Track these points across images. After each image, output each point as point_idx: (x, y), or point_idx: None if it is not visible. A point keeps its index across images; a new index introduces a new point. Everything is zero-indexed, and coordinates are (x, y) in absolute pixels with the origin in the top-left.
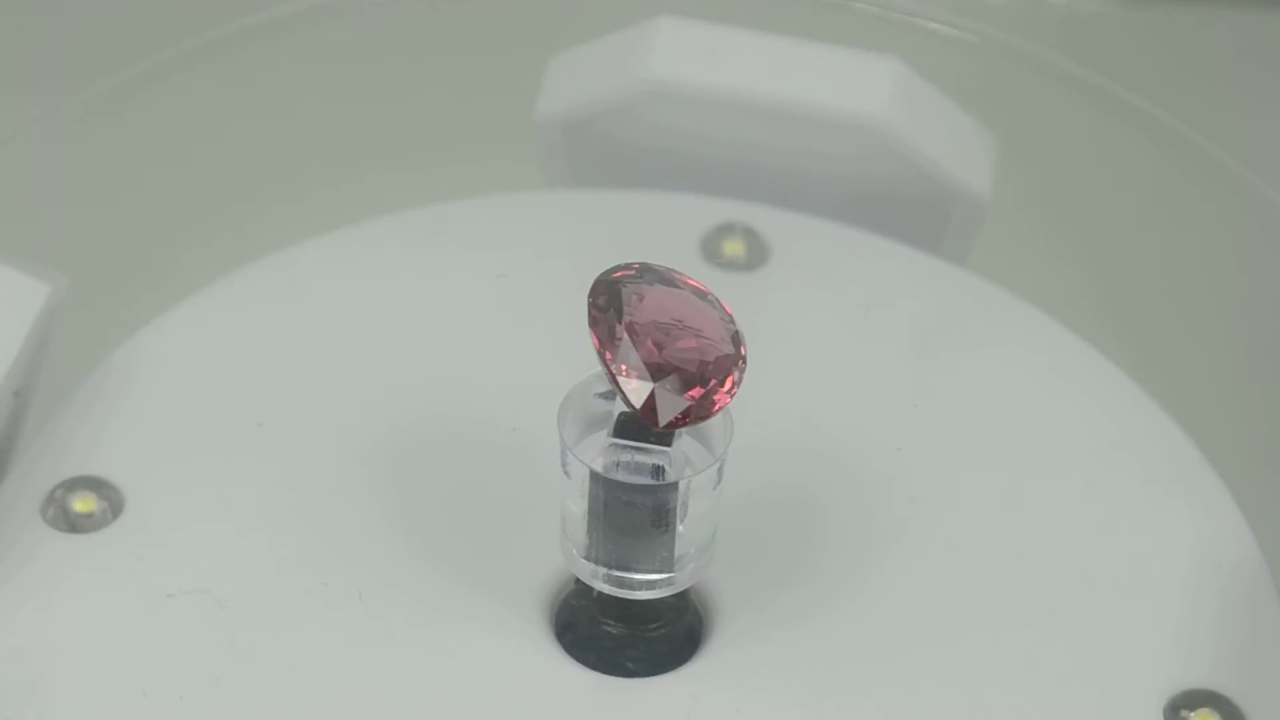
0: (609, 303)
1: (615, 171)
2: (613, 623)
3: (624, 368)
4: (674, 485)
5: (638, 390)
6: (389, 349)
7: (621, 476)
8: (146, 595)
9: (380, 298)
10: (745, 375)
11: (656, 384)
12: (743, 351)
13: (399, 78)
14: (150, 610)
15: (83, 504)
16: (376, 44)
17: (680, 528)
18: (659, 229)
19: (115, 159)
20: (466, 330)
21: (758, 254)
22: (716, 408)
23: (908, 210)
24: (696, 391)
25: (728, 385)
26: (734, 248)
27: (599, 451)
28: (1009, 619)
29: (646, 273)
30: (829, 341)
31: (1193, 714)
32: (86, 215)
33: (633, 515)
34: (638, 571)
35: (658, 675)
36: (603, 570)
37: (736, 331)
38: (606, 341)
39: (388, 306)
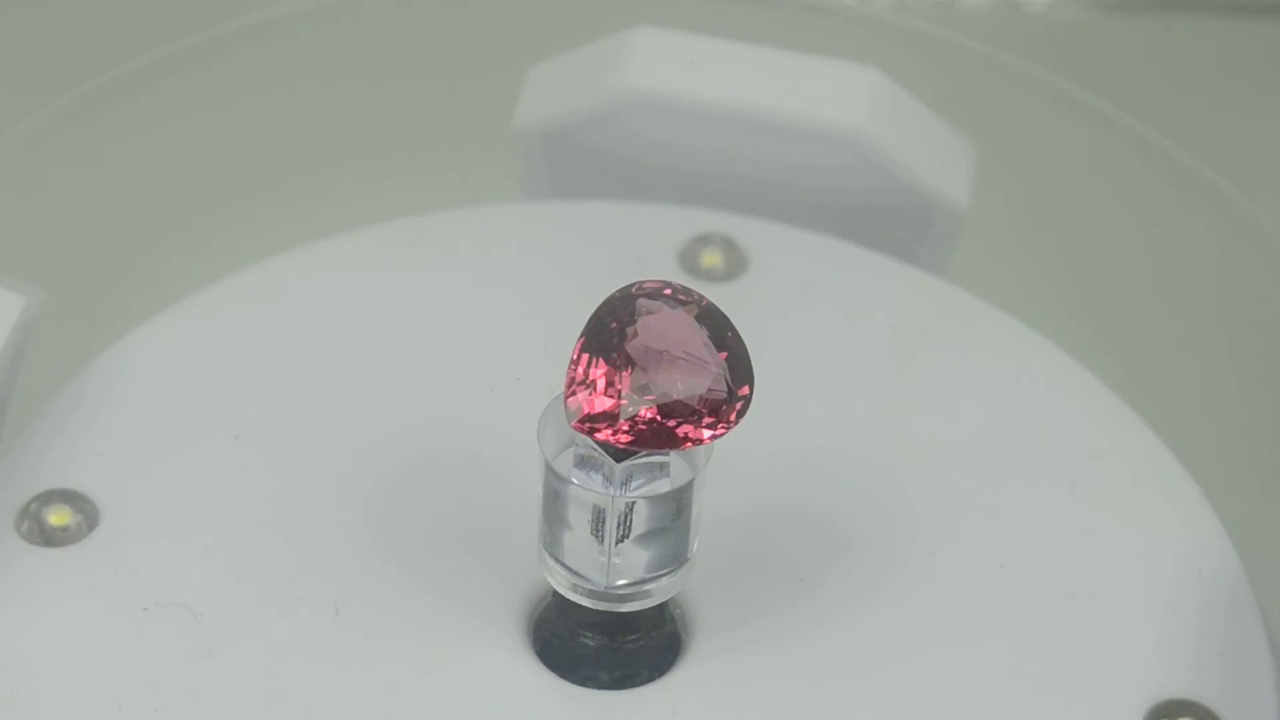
0: (608, 315)
1: (593, 181)
2: (590, 635)
3: (600, 378)
4: (604, 497)
5: (575, 395)
6: (368, 361)
7: (571, 471)
8: (122, 609)
9: (358, 309)
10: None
11: (594, 400)
12: (731, 417)
13: (376, 88)
14: (126, 624)
15: (58, 517)
16: (354, 55)
17: (617, 547)
18: (637, 239)
19: (90, 169)
20: (446, 341)
21: (736, 264)
22: (674, 446)
23: (887, 220)
24: (647, 421)
25: (701, 432)
26: (712, 258)
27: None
28: (989, 629)
29: (677, 302)
30: (807, 352)
31: None
32: (61, 226)
33: (565, 512)
34: (571, 573)
35: (636, 688)
36: (549, 559)
37: (738, 393)
38: (588, 348)
39: (366, 318)
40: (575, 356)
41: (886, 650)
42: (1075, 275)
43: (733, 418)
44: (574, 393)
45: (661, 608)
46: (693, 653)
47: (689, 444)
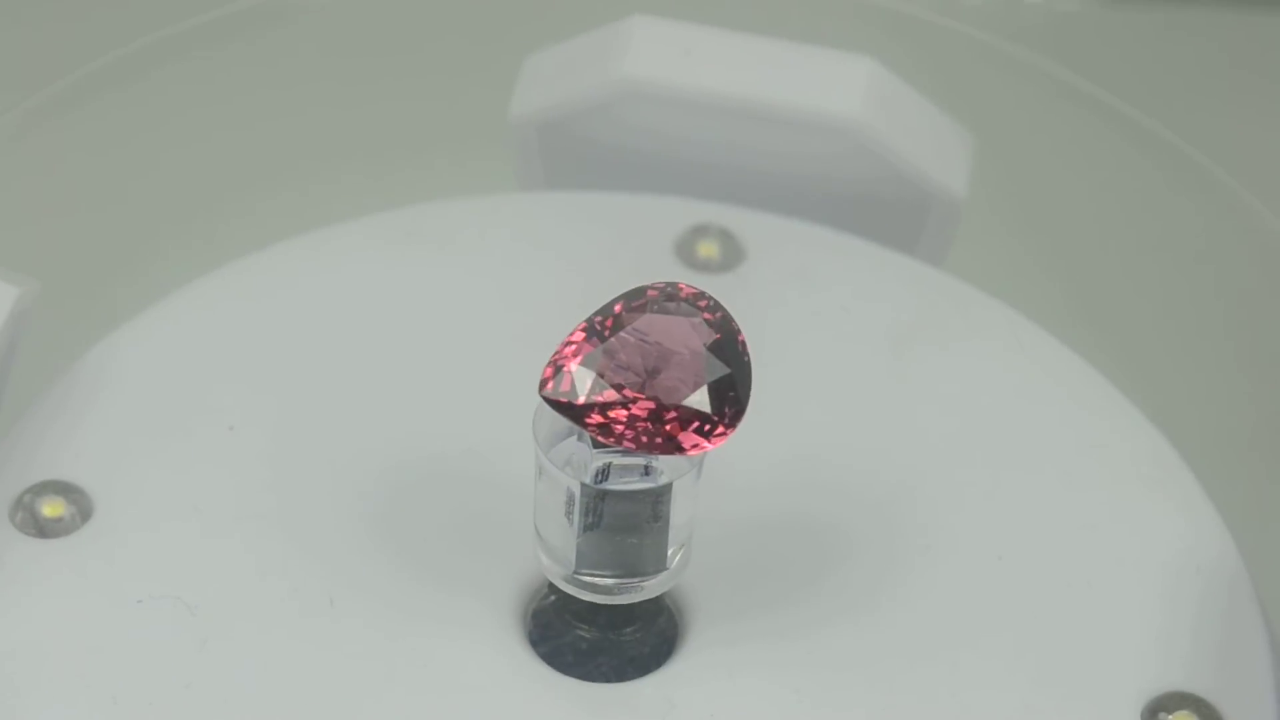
0: (615, 304)
1: (589, 172)
2: (586, 627)
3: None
4: (575, 481)
5: (556, 374)
6: (362, 352)
7: (553, 450)
8: (116, 600)
9: (354, 300)
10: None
11: (571, 379)
12: (717, 434)
13: (372, 79)
14: (120, 616)
15: (51, 508)
16: (349, 44)
17: (584, 535)
18: (633, 230)
19: (85, 159)
20: (440, 332)
21: (733, 255)
22: (652, 450)
23: (884, 211)
24: (631, 417)
25: (686, 439)
26: (709, 249)
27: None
28: (987, 622)
29: (694, 308)
30: (804, 343)
31: (1171, 716)
32: (56, 216)
33: (545, 488)
34: (548, 547)
35: (631, 681)
36: (536, 532)
37: (727, 413)
38: (585, 332)
39: (361, 309)
40: (570, 338)
41: (883, 642)
42: (1073, 266)
43: (717, 435)
44: (554, 368)
45: (658, 600)
46: (689, 645)
47: (668, 450)
